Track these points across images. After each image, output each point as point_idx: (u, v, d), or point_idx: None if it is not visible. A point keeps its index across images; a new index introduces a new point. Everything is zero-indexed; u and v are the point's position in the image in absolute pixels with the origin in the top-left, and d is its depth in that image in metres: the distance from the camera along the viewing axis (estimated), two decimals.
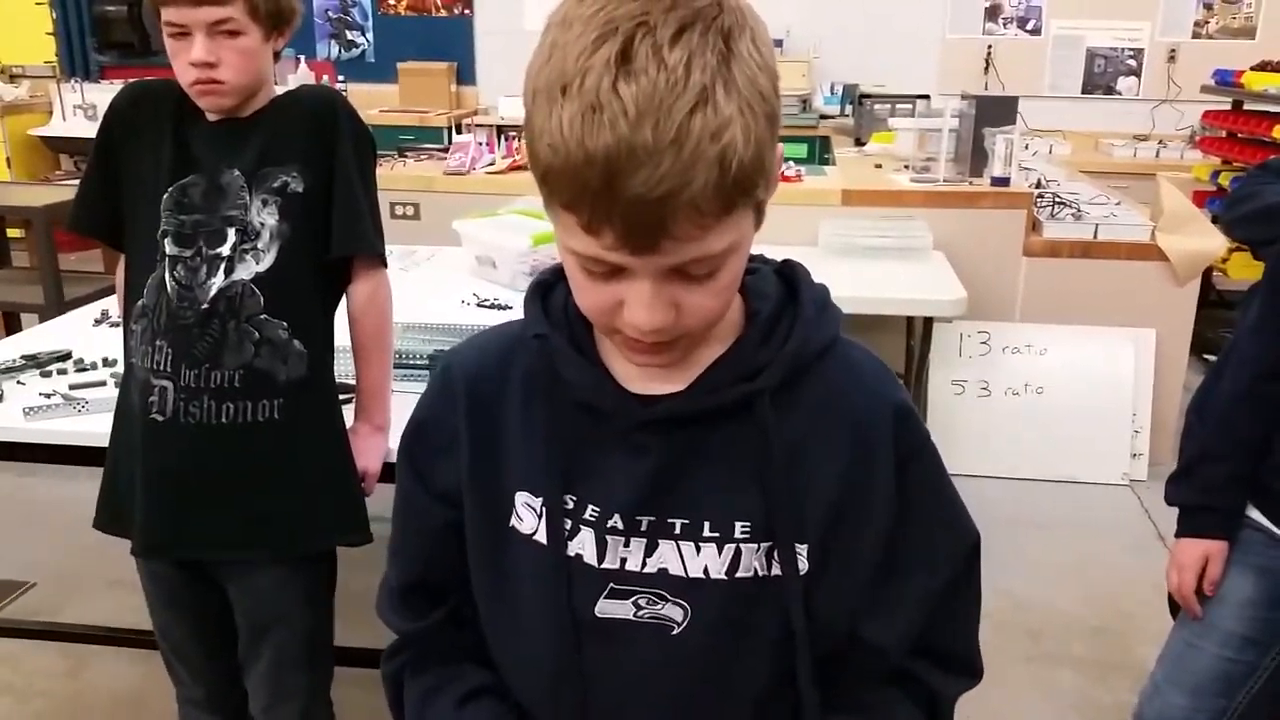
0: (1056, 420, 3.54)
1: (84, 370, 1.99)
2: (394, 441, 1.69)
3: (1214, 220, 3.76)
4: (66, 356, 2.03)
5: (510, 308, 2.43)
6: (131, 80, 1.61)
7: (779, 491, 0.78)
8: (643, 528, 0.79)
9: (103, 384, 1.90)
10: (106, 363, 2.00)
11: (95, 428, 1.71)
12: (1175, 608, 1.65)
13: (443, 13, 6.39)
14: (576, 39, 0.64)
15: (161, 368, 1.47)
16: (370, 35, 6.49)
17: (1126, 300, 3.60)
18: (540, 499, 0.81)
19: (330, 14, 6.47)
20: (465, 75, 6.39)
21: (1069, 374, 3.58)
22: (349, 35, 6.51)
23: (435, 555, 0.89)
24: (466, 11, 6.36)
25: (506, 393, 0.84)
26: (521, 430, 0.83)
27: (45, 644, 2.51)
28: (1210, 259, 3.66)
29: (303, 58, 5.77)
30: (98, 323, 2.32)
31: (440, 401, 0.88)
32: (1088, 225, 3.68)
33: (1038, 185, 4.04)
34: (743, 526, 0.79)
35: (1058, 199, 3.89)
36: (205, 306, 1.47)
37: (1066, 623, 2.73)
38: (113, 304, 2.37)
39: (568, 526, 0.81)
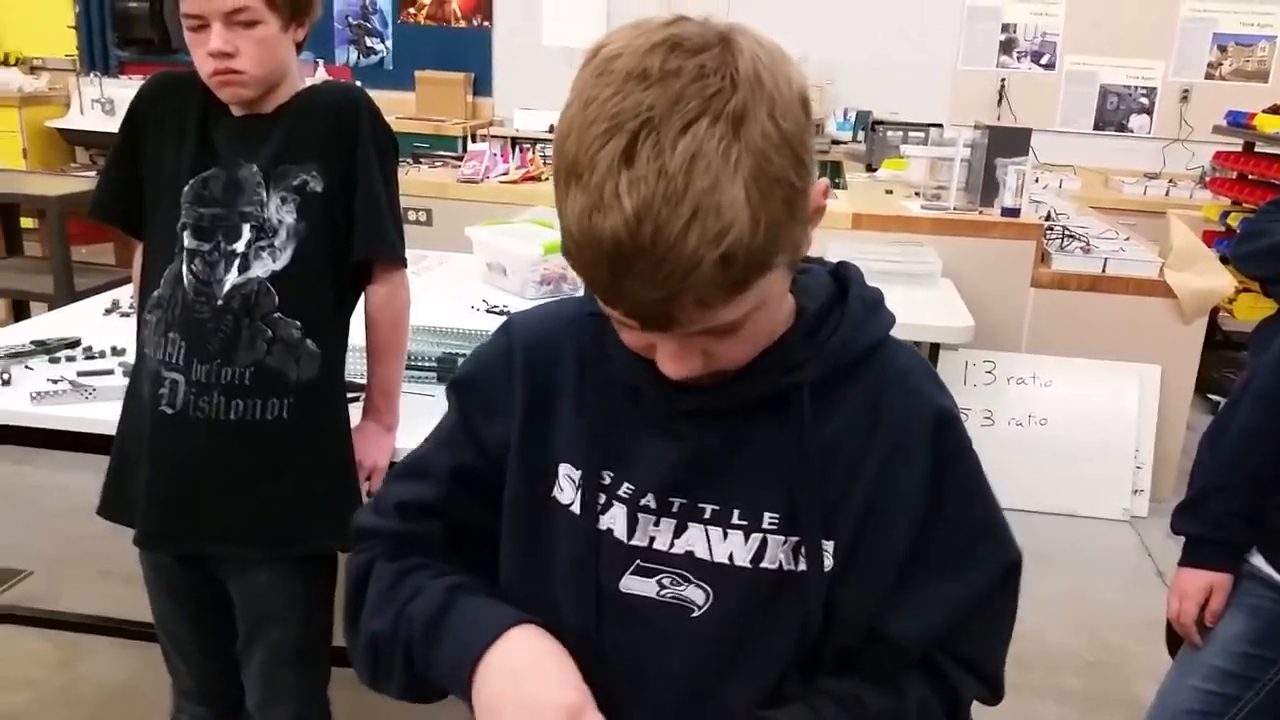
0: (1059, 453, 3.54)
1: (92, 358, 1.99)
2: (401, 440, 1.69)
3: (1223, 260, 3.78)
4: (75, 344, 2.04)
5: None
6: (160, 71, 1.62)
7: (809, 486, 0.79)
8: (674, 509, 0.81)
9: (110, 372, 1.90)
10: (115, 351, 2.01)
11: (102, 415, 1.71)
12: (1173, 646, 1.65)
13: (462, 24, 6.44)
14: (589, 126, 0.65)
15: (174, 360, 1.48)
16: (389, 43, 6.54)
17: (1133, 335, 3.61)
18: (580, 472, 0.83)
19: (350, 20, 6.51)
20: (482, 86, 6.43)
21: (1073, 407, 3.58)
22: (368, 42, 6.55)
23: (456, 492, 0.88)
24: (486, 24, 6.40)
25: (562, 365, 0.86)
26: (573, 403, 0.85)
27: (38, 634, 2.50)
28: (1218, 298, 3.67)
29: (321, 62, 5.81)
30: (108, 312, 2.32)
31: (499, 362, 0.88)
32: (1096, 259, 3.69)
33: (1047, 217, 4.05)
34: (771, 518, 0.80)
35: (1067, 232, 3.90)
36: (220, 302, 1.47)
37: (1058, 655, 2.72)
38: (123, 294, 2.38)
39: (601, 501, 0.82)
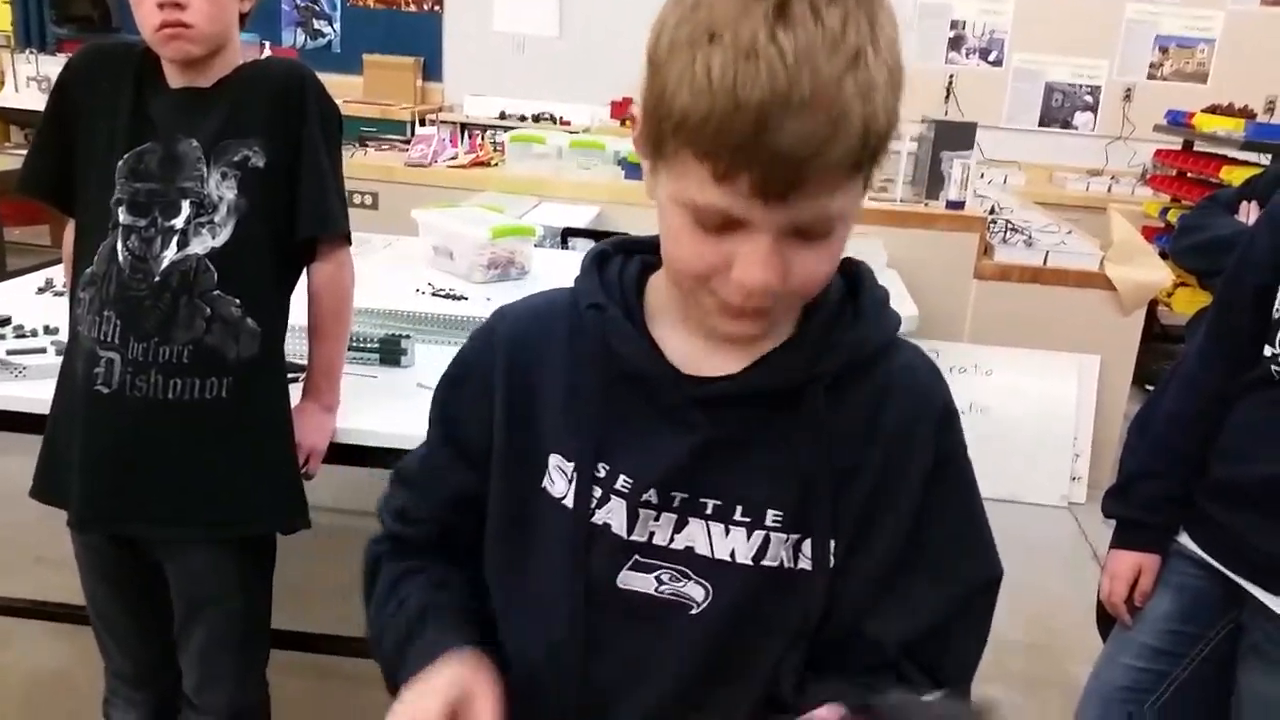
0: (1000, 440, 3.60)
1: (24, 336, 1.94)
2: (341, 422, 1.67)
3: (1162, 254, 3.86)
4: (6, 322, 1.99)
5: (466, 298, 2.42)
6: (92, 41, 1.58)
7: (821, 484, 0.78)
8: (675, 504, 0.79)
9: (43, 351, 1.85)
10: (48, 330, 1.96)
11: (33, 393, 1.67)
12: (1104, 629, 1.69)
13: (412, 7, 6.36)
14: None
15: (109, 339, 1.44)
16: (338, 25, 6.44)
17: (1073, 326, 3.68)
18: (572, 464, 0.81)
19: (298, 2, 6.41)
20: (432, 71, 6.36)
21: (1014, 395, 3.65)
22: (316, 24, 6.45)
23: (453, 519, 0.90)
24: (437, 8, 6.34)
25: (547, 355, 0.83)
26: (561, 393, 0.82)
27: None
28: (1156, 290, 3.76)
29: (267, 44, 5.70)
30: (41, 291, 2.27)
31: (480, 352, 0.87)
32: (1038, 251, 3.75)
33: (991, 211, 4.11)
34: (775, 515, 0.78)
35: (1010, 225, 3.96)
36: (158, 279, 1.44)
37: (999, 639, 2.71)
38: (57, 274, 2.32)
39: (597, 495, 0.80)
